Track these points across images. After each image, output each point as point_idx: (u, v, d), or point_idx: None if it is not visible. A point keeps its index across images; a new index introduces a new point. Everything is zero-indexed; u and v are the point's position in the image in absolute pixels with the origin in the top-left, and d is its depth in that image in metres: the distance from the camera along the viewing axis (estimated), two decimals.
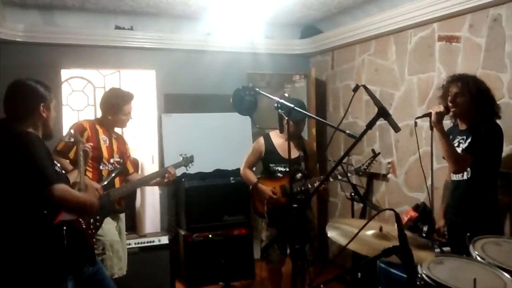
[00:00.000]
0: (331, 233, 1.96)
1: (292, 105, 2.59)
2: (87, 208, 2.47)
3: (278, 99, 2.63)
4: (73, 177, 2.76)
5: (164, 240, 4.28)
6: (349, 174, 3.45)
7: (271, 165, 3.69)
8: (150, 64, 4.96)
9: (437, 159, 3.37)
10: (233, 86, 3.00)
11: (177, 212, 4.83)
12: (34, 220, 2.22)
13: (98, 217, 3.04)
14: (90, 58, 4.72)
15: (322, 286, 1.68)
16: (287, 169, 3.55)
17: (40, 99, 2.34)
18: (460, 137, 2.86)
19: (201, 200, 4.53)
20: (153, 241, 4.24)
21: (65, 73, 4.88)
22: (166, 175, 3.46)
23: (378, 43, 4.53)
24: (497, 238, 2.41)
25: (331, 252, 5.17)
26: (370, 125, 1.86)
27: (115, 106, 3.30)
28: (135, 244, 4.07)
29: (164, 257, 4.24)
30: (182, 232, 4.52)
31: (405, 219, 3.64)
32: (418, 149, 2.98)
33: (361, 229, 1.75)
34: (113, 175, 3.27)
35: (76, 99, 5.36)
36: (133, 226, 4.48)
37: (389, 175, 4.40)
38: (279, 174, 3.65)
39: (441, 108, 2.76)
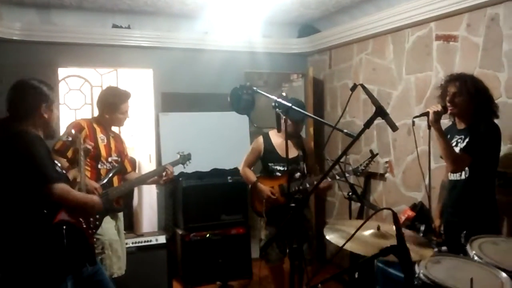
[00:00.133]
0: (329, 236, 1.95)
1: (290, 104, 2.59)
2: (87, 208, 2.47)
3: (275, 98, 2.63)
4: (70, 176, 2.76)
5: (162, 239, 4.27)
6: (346, 174, 3.44)
7: (270, 164, 3.69)
8: (147, 63, 4.95)
9: (434, 159, 3.37)
10: (231, 85, 3.00)
11: (175, 211, 4.82)
12: (33, 219, 2.22)
13: (97, 216, 3.04)
14: (87, 56, 4.71)
15: (319, 285, 1.68)
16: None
17: (42, 99, 2.34)
18: (458, 137, 2.86)
19: (198, 199, 4.52)
20: (151, 241, 4.22)
21: (62, 72, 4.88)
22: (164, 173, 3.46)
23: (375, 42, 4.53)
24: (494, 237, 2.41)
25: (329, 251, 5.17)
26: (368, 124, 1.86)
27: (112, 105, 3.30)
28: (132, 243, 4.06)
29: (162, 256, 4.23)
30: (180, 232, 4.51)
31: (402, 218, 3.64)
32: (416, 148, 2.98)
33: (359, 228, 1.75)
34: (111, 174, 3.27)
35: (73, 98, 5.35)
36: (131, 225, 4.48)
37: (387, 175, 4.40)
38: (277, 173, 3.65)
39: (438, 108, 2.76)
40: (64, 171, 2.54)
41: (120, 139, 3.54)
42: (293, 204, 2.12)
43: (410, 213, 3.69)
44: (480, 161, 2.72)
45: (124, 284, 3.30)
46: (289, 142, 2.73)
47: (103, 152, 3.27)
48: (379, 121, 1.85)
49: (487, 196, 2.79)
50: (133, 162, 3.99)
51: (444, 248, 2.84)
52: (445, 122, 2.96)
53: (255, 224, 4.57)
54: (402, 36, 4.16)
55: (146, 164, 5.05)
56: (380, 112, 1.84)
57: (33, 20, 4.46)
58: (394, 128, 1.83)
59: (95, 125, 3.30)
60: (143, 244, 4.16)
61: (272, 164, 3.67)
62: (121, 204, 3.40)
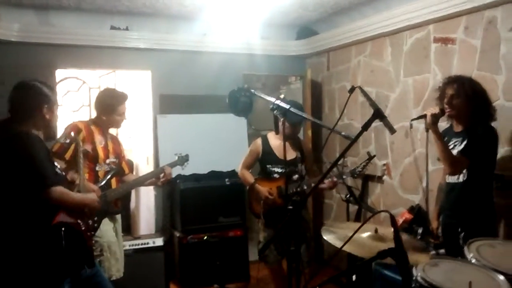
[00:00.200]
0: (326, 236, 1.95)
1: (288, 107, 2.59)
2: (87, 207, 2.48)
3: (273, 100, 2.62)
4: (68, 178, 2.76)
5: (159, 242, 4.27)
6: (344, 176, 3.45)
7: (268, 166, 3.69)
8: (145, 65, 4.94)
9: (432, 161, 3.37)
10: (229, 87, 2.99)
11: (172, 213, 4.81)
12: (32, 221, 2.21)
13: (96, 219, 3.03)
14: (86, 58, 4.70)
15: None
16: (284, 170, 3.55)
17: (44, 100, 2.35)
18: (455, 139, 2.86)
19: (196, 201, 4.51)
20: (148, 243, 4.22)
21: (60, 73, 4.86)
22: (162, 174, 3.45)
23: (373, 44, 4.53)
24: (492, 240, 2.41)
25: (327, 253, 5.16)
26: (366, 126, 1.86)
27: (110, 106, 3.29)
28: (129, 246, 4.05)
29: (159, 259, 4.22)
30: (177, 234, 4.50)
31: (400, 221, 3.63)
32: (414, 151, 2.98)
33: (356, 231, 1.74)
34: (109, 176, 3.26)
35: (71, 100, 5.34)
36: (128, 227, 4.46)
37: (384, 177, 4.40)
38: (275, 175, 3.65)
39: (436, 110, 2.76)
40: (63, 173, 2.54)
41: (117, 141, 3.53)
42: (290, 207, 2.11)
43: (408, 216, 3.69)
44: (477, 164, 2.72)
45: (121, 286, 3.29)
46: (287, 144, 2.73)
47: (101, 154, 3.26)
48: (377, 123, 1.85)
49: (485, 199, 2.79)
50: (130, 164, 3.98)
51: (442, 250, 2.84)
52: (443, 125, 2.97)
53: (252, 226, 4.56)
54: (400, 39, 4.17)
55: (144, 166, 5.03)
56: (378, 114, 1.85)
57: (31, 22, 4.45)
58: (392, 130, 1.84)
59: (92, 127, 3.29)
60: (140, 246, 4.16)
61: (270, 166, 3.68)
62: (119, 206, 3.39)
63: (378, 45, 4.46)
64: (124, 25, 4.73)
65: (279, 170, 3.64)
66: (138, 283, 3.90)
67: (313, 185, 3.45)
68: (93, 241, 3.00)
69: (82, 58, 4.68)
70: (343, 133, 2.41)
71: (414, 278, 1.95)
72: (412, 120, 2.88)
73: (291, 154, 3.57)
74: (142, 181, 3.52)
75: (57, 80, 4.80)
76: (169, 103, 4.95)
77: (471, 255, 2.16)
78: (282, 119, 2.65)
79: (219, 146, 4.75)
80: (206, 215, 4.54)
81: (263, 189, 3.59)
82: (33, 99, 2.33)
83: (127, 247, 3.97)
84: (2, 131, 2.29)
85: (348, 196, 3.56)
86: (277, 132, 3.42)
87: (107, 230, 3.22)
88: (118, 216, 3.43)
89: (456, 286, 1.84)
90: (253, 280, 4.53)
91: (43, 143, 2.31)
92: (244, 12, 4.52)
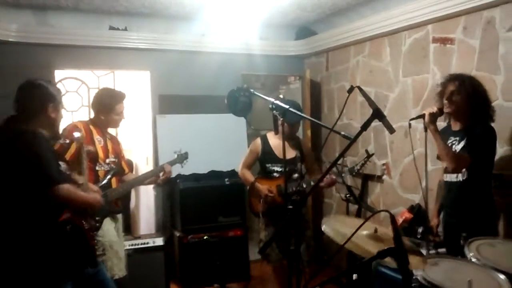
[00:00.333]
0: (325, 228, 1.94)
1: (287, 106, 2.59)
2: (92, 205, 2.49)
3: (273, 100, 2.63)
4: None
5: (159, 241, 4.27)
6: (342, 174, 3.46)
7: (267, 165, 3.71)
8: (144, 65, 4.94)
9: (431, 161, 3.37)
10: (228, 87, 3.00)
11: (172, 213, 4.82)
12: (38, 219, 2.23)
13: (97, 218, 3.03)
14: (84, 58, 4.70)
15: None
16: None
17: (49, 99, 2.37)
18: (453, 138, 2.87)
19: (196, 201, 4.52)
20: (148, 243, 4.22)
21: (59, 74, 4.86)
22: (162, 173, 3.45)
23: (372, 44, 4.54)
24: (492, 239, 2.42)
25: (327, 253, 5.16)
26: (365, 126, 1.86)
27: (107, 105, 3.29)
28: (129, 245, 4.05)
29: (159, 258, 4.22)
30: (177, 234, 4.50)
31: (400, 220, 3.64)
32: (412, 150, 2.99)
33: (356, 230, 1.74)
34: (110, 175, 3.26)
35: (70, 100, 5.33)
36: (128, 227, 4.46)
37: (384, 177, 4.41)
38: (275, 174, 3.67)
39: (434, 109, 2.76)
40: (68, 172, 2.56)
41: (116, 140, 3.54)
42: (290, 206, 2.11)
43: (408, 215, 3.69)
44: (477, 163, 2.72)
45: (122, 286, 3.28)
46: (286, 143, 2.73)
47: (100, 153, 3.26)
48: (376, 123, 1.86)
49: (485, 198, 2.80)
50: (130, 164, 3.98)
51: (442, 249, 2.84)
52: (441, 124, 2.97)
53: (252, 226, 4.56)
54: (399, 39, 4.18)
55: (143, 166, 5.03)
56: (377, 114, 1.85)
57: (29, 22, 4.44)
58: (391, 130, 1.84)
59: (91, 127, 3.29)
60: (140, 246, 4.16)
61: (270, 165, 3.69)
62: (120, 205, 3.40)
63: (376, 45, 4.47)
64: (123, 26, 4.73)
65: (279, 169, 3.66)
66: (138, 283, 3.90)
67: (312, 183, 3.46)
68: (95, 241, 3.00)
69: (80, 59, 4.68)
70: (342, 133, 2.41)
71: (414, 277, 1.95)
72: (411, 120, 2.88)
73: (291, 153, 3.58)
74: (142, 179, 3.52)
75: (56, 81, 4.80)
76: (168, 103, 4.96)
77: (471, 254, 2.17)
78: (281, 119, 2.66)
79: (219, 146, 4.75)
80: (206, 214, 4.54)
81: (263, 186, 3.60)
82: (38, 99, 2.35)
83: (127, 247, 3.97)
84: (9, 129, 2.30)
85: (348, 195, 3.57)
86: (276, 132, 3.42)
87: (109, 229, 3.23)
88: (119, 216, 3.43)
89: (456, 285, 1.85)
90: (255, 279, 4.53)
91: (49, 142, 2.33)
92: (243, 13, 4.52)
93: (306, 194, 3.46)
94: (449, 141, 2.86)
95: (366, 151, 3.66)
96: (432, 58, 3.82)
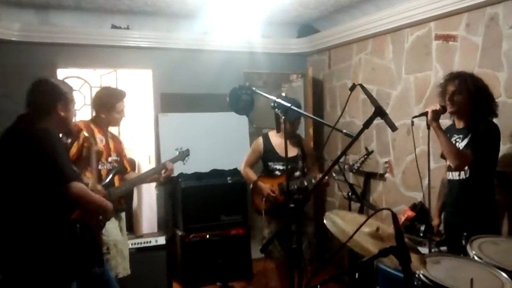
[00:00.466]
0: (327, 222, 1.92)
1: (289, 105, 2.58)
2: (101, 210, 2.49)
3: (274, 98, 2.62)
4: None
5: (161, 240, 4.27)
6: (344, 172, 3.46)
7: (269, 163, 3.72)
8: (146, 64, 4.94)
9: (434, 159, 3.36)
10: (230, 86, 3.00)
11: (174, 212, 4.82)
12: (49, 217, 2.23)
13: (101, 217, 3.04)
14: (86, 57, 4.70)
15: (318, 286, 1.67)
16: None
17: (59, 97, 2.38)
18: (457, 136, 2.85)
19: (198, 200, 4.52)
20: (150, 242, 4.23)
21: (61, 73, 4.86)
22: (164, 170, 3.46)
23: (375, 42, 4.52)
24: (494, 237, 2.41)
25: (329, 251, 5.16)
26: (367, 124, 1.86)
27: (108, 104, 3.30)
28: (132, 244, 4.05)
29: (161, 257, 4.23)
30: (179, 232, 4.51)
31: (402, 218, 3.63)
32: (415, 148, 2.97)
33: (358, 229, 1.74)
34: (112, 174, 3.27)
35: None
36: (130, 226, 4.47)
37: (386, 175, 4.40)
38: (277, 172, 3.68)
39: (437, 107, 2.75)
40: (78, 171, 2.57)
41: (118, 139, 3.55)
42: (292, 205, 2.11)
43: (410, 213, 3.68)
44: (480, 161, 2.71)
45: (124, 285, 3.29)
46: (288, 141, 2.74)
47: (103, 152, 3.27)
48: (378, 121, 1.85)
49: (487, 196, 2.79)
50: (132, 162, 3.99)
51: (444, 248, 2.84)
52: (445, 122, 2.96)
53: (254, 224, 4.56)
54: (401, 36, 4.16)
55: (146, 165, 5.04)
56: (379, 112, 1.84)
57: (32, 21, 4.45)
58: (393, 128, 1.83)
59: (92, 126, 3.30)
60: (142, 245, 4.16)
61: (272, 163, 3.70)
62: (123, 204, 3.41)
63: (379, 42, 4.45)
64: (125, 24, 4.73)
65: (280, 167, 3.66)
66: (140, 281, 3.90)
67: (313, 181, 3.47)
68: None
69: (83, 58, 4.68)
70: (344, 131, 2.40)
71: (416, 275, 1.95)
72: (414, 117, 2.87)
73: (292, 151, 3.58)
74: (145, 177, 3.53)
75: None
76: (170, 101, 4.95)
77: (473, 252, 2.16)
78: (283, 117, 2.65)
79: (221, 144, 4.75)
80: (208, 213, 4.55)
81: (265, 185, 3.62)
82: (48, 97, 2.36)
83: (130, 246, 3.96)
84: (21, 127, 2.32)
85: (350, 194, 3.56)
86: (278, 130, 3.42)
87: (113, 228, 3.23)
88: (123, 214, 3.44)
89: (458, 283, 1.84)
90: (258, 276, 4.53)
91: (61, 140, 2.34)
92: (245, 11, 4.52)
93: (308, 192, 3.46)
94: (453, 139, 2.85)
95: (366, 148, 3.66)
96: (434, 56, 3.81)
